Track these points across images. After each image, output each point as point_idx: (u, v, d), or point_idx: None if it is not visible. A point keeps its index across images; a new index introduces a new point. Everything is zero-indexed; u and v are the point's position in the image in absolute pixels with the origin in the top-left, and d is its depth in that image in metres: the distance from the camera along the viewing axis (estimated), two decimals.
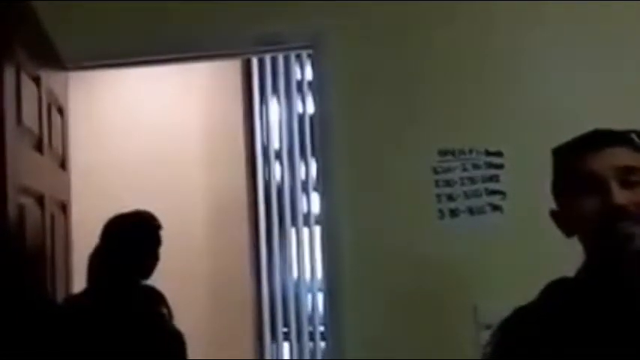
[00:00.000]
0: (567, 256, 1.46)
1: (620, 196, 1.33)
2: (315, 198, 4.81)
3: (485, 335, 1.58)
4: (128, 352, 2.66)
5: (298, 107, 5.04)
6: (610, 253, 1.35)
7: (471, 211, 2.91)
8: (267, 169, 5.01)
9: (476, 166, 2.92)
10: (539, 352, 1.38)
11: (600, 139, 1.41)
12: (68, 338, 2.62)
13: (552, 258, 2.00)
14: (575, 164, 1.41)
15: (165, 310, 3.01)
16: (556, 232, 1.49)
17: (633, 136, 1.43)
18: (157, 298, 3.02)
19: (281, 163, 5.03)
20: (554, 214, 1.48)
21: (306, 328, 4.98)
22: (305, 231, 5.00)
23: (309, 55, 3.71)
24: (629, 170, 1.36)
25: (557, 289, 1.47)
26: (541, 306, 1.46)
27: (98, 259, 2.86)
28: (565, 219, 1.45)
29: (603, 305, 1.37)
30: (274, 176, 5.02)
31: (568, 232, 1.45)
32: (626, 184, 1.35)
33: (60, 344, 2.56)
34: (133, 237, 2.87)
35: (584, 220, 1.38)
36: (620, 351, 1.32)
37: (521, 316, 1.47)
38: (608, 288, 1.37)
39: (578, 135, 1.47)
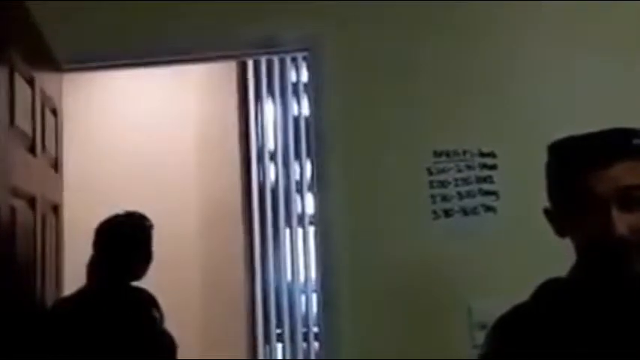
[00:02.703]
0: (560, 256, 1.46)
1: (621, 223, 1.29)
2: (310, 199, 4.81)
3: (480, 335, 1.58)
4: (118, 354, 2.65)
5: (293, 109, 5.04)
6: (606, 278, 1.34)
7: (465, 211, 2.92)
8: (261, 170, 5.01)
9: (469, 167, 2.92)
10: (533, 351, 1.38)
11: (605, 152, 1.33)
12: (58, 341, 2.61)
13: (546, 258, 2.00)
14: (577, 180, 1.35)
15: (156, 313, 3.00)
16: (549, 233, 1.49)
17: (638, 142, 1.36)
18: (148, 300, 3.01)
19: (275, 164, 5.03)
20: (547, 212, 1.48)
21: (300, 329, 4.97)
22: (299, 232, 5.00)
23: (304, 58, 3.72)
24: (631, 189, 1.31)
25: (550, 289, 1.47)
26: (535, 305, 1.46)
27: (91, 262, 2.86)
28: (559, 223, 1.43)
29: (597, 305, 1.37)
30: (269, 177, 5.02)
31: (561, 233, 1.44)
32: (627, 204, 1.31)
33: (49, 346, 2.56)
34: (124, 238, 2.87)
35: (582, 240, 1.37)
36: (613, 350, 1.32)
37: (515, 315, 1.47)
38: (602, 295, 1.37)
39: (576, 134, 1.41)
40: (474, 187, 2.92)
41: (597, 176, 1.32)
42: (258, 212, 4.98)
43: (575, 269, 1.44)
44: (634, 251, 1.30)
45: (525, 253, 2.78)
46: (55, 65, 3.02)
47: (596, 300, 1.37)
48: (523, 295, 1.51)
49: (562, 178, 1.40)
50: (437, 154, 2.94)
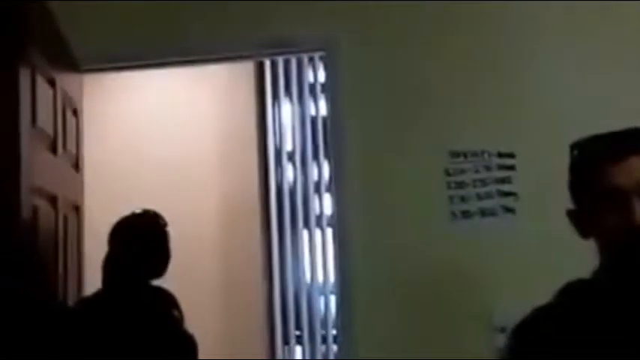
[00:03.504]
0: (581, 257, 1.45)
1: None
2: (328, 200, 4.81)
3: (500, 337, 1.57)
4: (139, 354, 2.66)
5: (311, 109, 5.04)
6: (628, 271, 1.34)
7: (484, 212, 2.90)
8: (279, 170, 5.01)
9: (488, 168, 2.91)
10: (556, 353, 1.37)
11: (624, 147, 1.36)
12: (79, 340, 2.63)
13: (566, 259, 2.00)
14: (598, 173, 1.37)
15: (176, 313, 3.01)
16: (569, 233, 1.48)
17: None
18: (168, 300, 3.02)
19: (293, 165, 5.02)
20: (570, 214, 1.47)
21: (319, 331, 4.96)
22: (317, 233, 4.99)
23: (321, 58, 3.72)
24: None
25: (574, 291, 1.46)
26: (558, 307, 1.45)
27: (108, 262, 2.88)
28: (582, 222, 1.43)
29: (621, 307, 1.36)
30: (287, 178, 5.02)
31: (584, 234, 1.44)
32: None
33: (71, 346, 2.58)
34: (139, 237, 2.88)
35: (604, 233, 1.37)
36: (638, 353, 1.31)
37: (538, 317, 1.46)
38: (625, 290, 1.36)
39: (598, 133, 1.42)
40: (492, 188, 2.91)
41: (617, 169, 1.34)
42: (276, 213, 4.98)
43: (598, 271, 1.43)
44: None
45: (545, 254, 2.76)
46: (75, 65, 3.05)
47: (619, 301, 1.36)
48: (543, 296, 1.50)
49: (583, 173, 1.41)
50: (455, 154, 2.94)
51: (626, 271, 1.34)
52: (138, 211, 2.95)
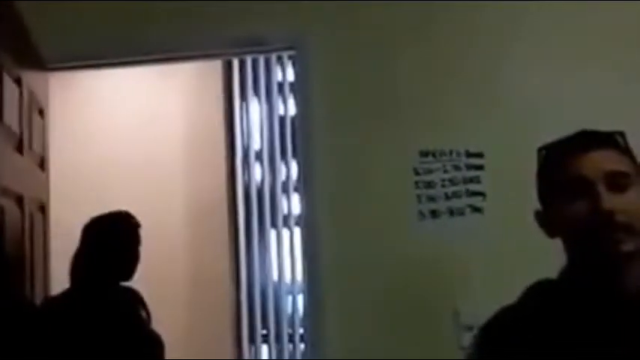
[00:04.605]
0: (548, 258, 1.46)
1: (608, 200, 1.32)
2: (296, 199, 4.81)
3: (467, 336, 1.58)
4: (106, 354, 2.64)
5: (279, 109, 5.03)
6: (595, 258, 1.36)
7: (452, 212, 2.92)
8: (247, 170, 5.00)
9: (456, 168, 2.93)
10: (522, 353, 1.38)
11: (587, 142, 1.40)
12: (46, 339, 2.60)
13: (533, 259, 2.02)
14: (562, 167, 1.40)
15: (144, 313, 3.00)
16: (537, 233, 1.50)
17: (618, 137, 1.42)
18: (136, 300, 3.01)
19: (261, 165, 5.02)
20: (537, 215, 1.49)
21: (286, 331, 4.97)
22: (285, 232, 4.99)
23: (290, 57, 3.73)
24: (616, 174, 1.35)
25: (540, 291, 1.47)
26: (524, 307, 1.46)
27: (78, 261, 2.85)
28: (550, 220, 1.45)
29: (587, 307, 1.37)
30: (254, 177, 5.01)
31: (551, 233, 1.45)
32: (614, 188, 1.34)
33: (38, 346, 2.55)
34: (111, 238, 2.86)
35: (571, 224, 1.37)
36: (604, 353, 1.33)
37: (504, 317, 1.46)
38: (592, 290, 1.38)
39: (562, 135, 1.45)
40: (461, 187, 2.93)
41: (581, 161, 1.37)
42: (243, 213, 4.97)
43: (565, 271, 1.45)
44: (621, 229, 1.31)
45: (512, 254, 2.79)
46: (42, 64, 3.02)
47: (586, 303, 1.38)
48: (510, 296, 1.51)
49: (549, 169, 1.44)
50: (423, 153, 2.95)
51: (593, 259, 1.36)
52: (110, 211, 2.93)
